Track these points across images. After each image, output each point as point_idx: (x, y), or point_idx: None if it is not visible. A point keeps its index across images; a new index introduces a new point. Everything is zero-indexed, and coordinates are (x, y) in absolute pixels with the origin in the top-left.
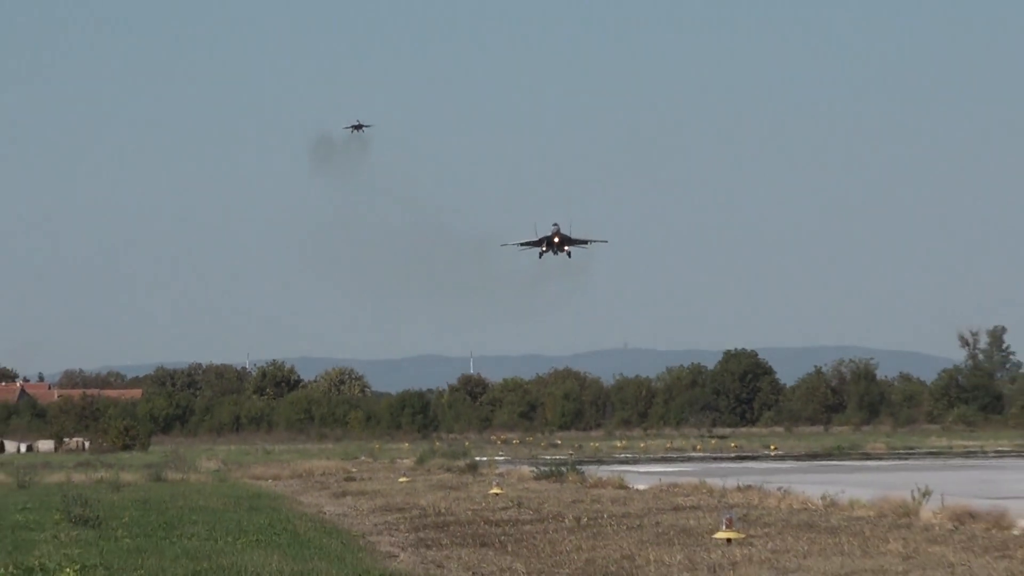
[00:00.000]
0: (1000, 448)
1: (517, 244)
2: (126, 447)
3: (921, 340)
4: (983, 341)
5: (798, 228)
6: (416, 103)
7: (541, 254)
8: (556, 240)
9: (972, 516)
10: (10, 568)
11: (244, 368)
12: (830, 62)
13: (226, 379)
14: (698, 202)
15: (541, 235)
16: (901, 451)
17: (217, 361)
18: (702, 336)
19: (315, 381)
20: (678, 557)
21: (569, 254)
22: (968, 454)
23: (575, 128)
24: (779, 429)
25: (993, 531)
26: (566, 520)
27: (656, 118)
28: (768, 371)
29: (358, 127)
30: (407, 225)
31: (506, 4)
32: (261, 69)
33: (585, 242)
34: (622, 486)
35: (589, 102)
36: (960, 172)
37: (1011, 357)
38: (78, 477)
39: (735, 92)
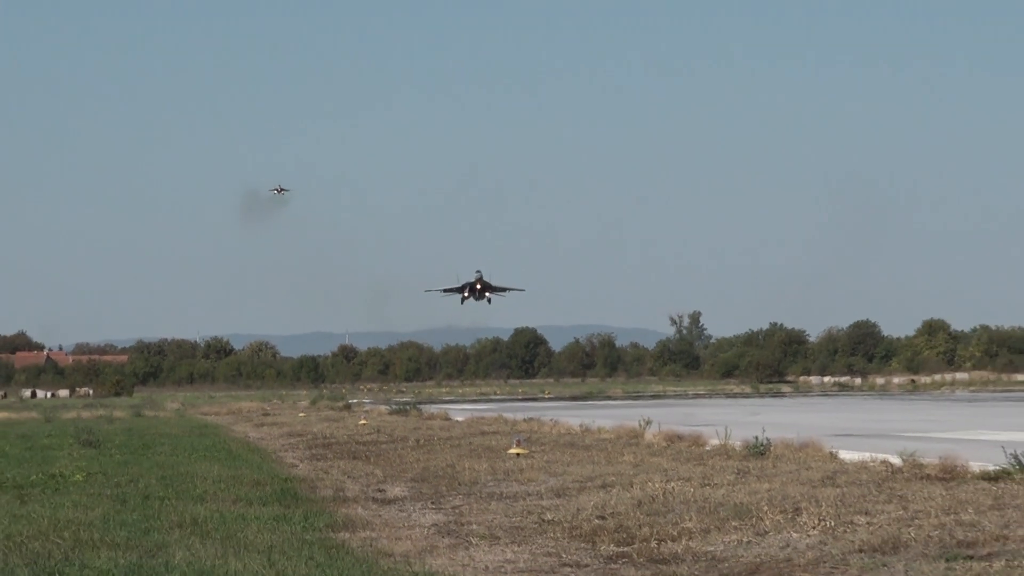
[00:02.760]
0: (698, 392)
1: (440, 290)
2: (117, 394)
3: (646, 320)
4: (686, 321)
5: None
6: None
7: (463, 300)
8: (479, 287)
9: (679, 437)
10: (40, 475)
11: (196, 341)
12: None
13: (183, 348)
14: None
15: (464, 282)
16: (632, 395)
17: (178, 336)
18: (494, 316)
19: (243, 349)
20: (484, 465)
21: (489, 300)
22: (676, 396)
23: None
24: (551, 380)
25: (693, 447)
26: (409, 441)
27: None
28: (544, 341)
29: (280, 190)
30: (319, 254)
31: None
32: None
33: (504, 290)
34: (446, 418)
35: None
36: (669, 191)
37: (704, 332)
38: (85, 414)
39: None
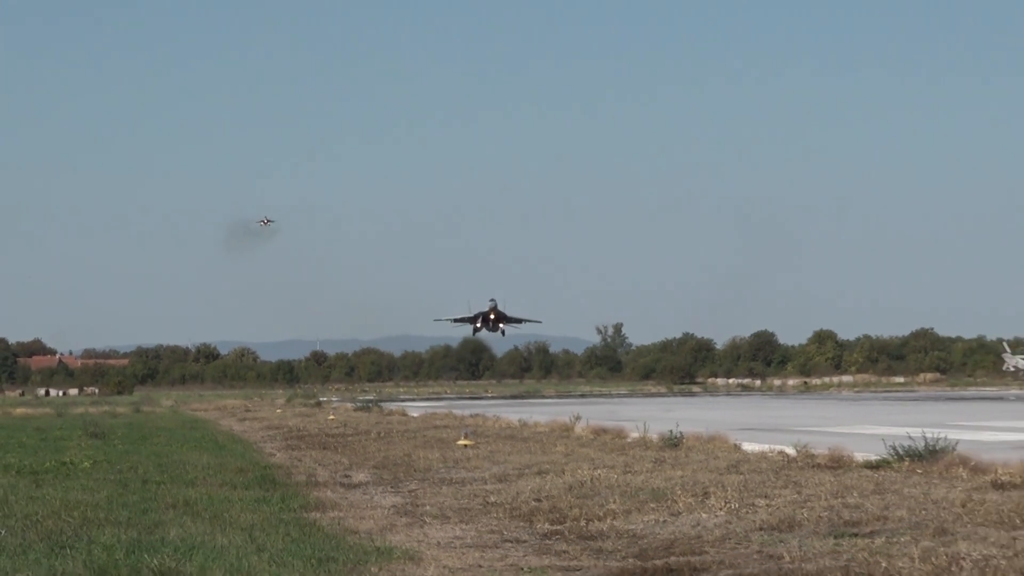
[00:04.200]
0: (620, 392)
1: (450, 319)
2: (119, 393)
3: (576, 330)
4: (611, 330)
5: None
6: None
7: (475, 330)
8: (492, 317)
9: (604, 431)
10: (52, 462)
11: (187, 347)
12: None
13: (177, 353)
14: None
15: (477, 311)
16: (563, 394)
17: (172, 343)
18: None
19: (228, 354)
20: (436, 455)
21: (503, 332)
22: (602, 395)
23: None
24: (494, 381)
25: (616, 440)
26: (372, 434)
27: None
28: (487, 348)
29: (267, 222)
30: (295, 273)
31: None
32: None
33: (520, 321)
34: (404, 414)
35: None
36: (596, 218)
37: (626, 340)
38: (92, 410)
39: None
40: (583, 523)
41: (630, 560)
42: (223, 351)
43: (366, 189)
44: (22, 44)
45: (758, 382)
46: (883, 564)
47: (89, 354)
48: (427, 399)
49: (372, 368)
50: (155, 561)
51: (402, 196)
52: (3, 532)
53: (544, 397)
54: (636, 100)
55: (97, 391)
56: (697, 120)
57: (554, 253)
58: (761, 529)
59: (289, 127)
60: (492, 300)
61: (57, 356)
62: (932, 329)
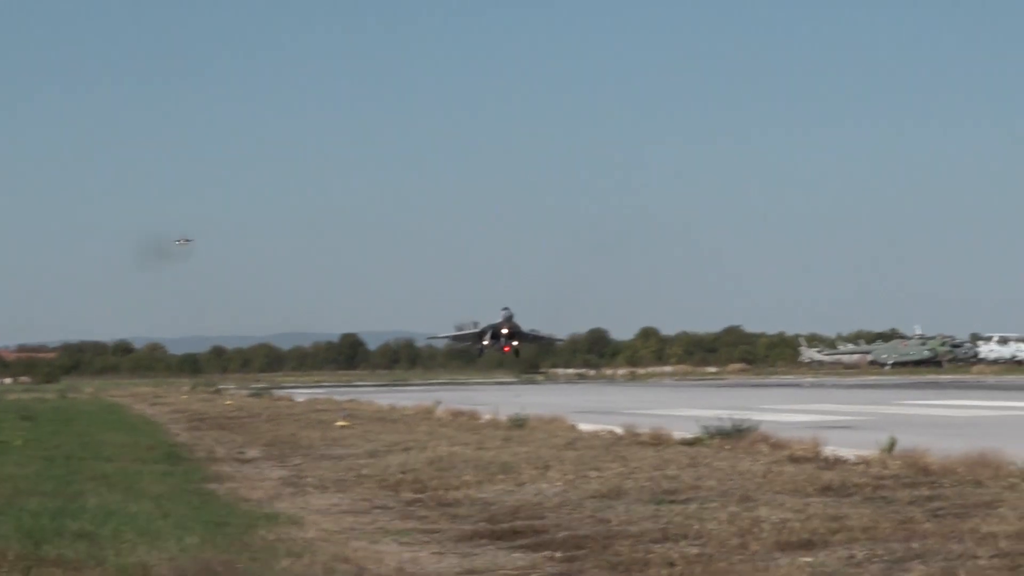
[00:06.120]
0: (476, 380)
1: (448, 337)
2: (48, 381)
3: (438, 327)
4: (469, 327)
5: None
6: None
7: (481, 351)
8: (505, 331)
9: (461, 413)
10: None
11: (106, 342)
12: None
13: (98, 347)
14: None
15: (486, 325)
16: (427, 382)
17: (94, 338)
18: (323, 324)
19: (142, 348)
20: (317, 434)
21: (517, 353)
22: (460, 383)
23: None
24: (368, 372)
25: (471, 421)
26: (263, 416)
27: None
28: (363, 343)
29: (185, 241)
30: (199, 277)
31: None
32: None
33: (539, 339)
34: (291, 400)
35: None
36: (447, 224)
37: (439, 337)
38: (24, 396)
39: None
40: (441, 492)
41: (481, 524)
42: (137, 345)
43: (258, 204)
44: None
45: (592, 372)
46: (696, 526)
47: (23, 348)
48: (311, 387)
49: (265, 360)
50: (76, 526)
51: (285, 210)
52: None
53: (411, 385)
54: (464, 110)
55: (29, 380)
56: (532, 135)
57: (416, 259)
58: (593, 497)
59: (192, 139)
60: (506, 310)
61: None
62: (740, 326)
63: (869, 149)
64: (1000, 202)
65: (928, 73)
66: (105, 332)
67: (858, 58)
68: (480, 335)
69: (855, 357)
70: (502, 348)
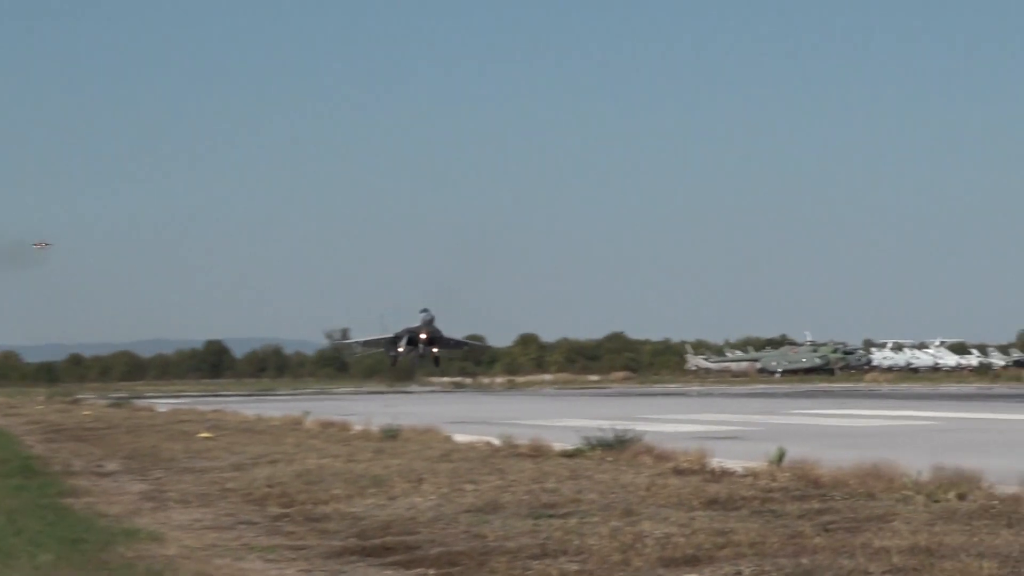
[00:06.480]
0: (347, 390)
1: (358, 342)
2: None
3: (307, 334)
4: (338, 335)
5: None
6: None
7: (394, 360)
8: (424, 337)
9: (331, 424)
10: None
11: None
12: None
13: None
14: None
15: (402, 328)
16: (296, 391)
17: None
18: (189, 330)
19: None
20: (180, 446)
21: (436, 360)
22: (331, 393)
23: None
24: (234, 380)
25: (341, 432)
26: (122, 427)
27: None
28: (228, 350)
29: (43, 245)
30: (56, 281)
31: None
32: None
33: (462, 345)
34: (152, 410)
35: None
36: (321, 235)
37: (351, 343)
38: None
39: None
40: (310, 507)
41: (351, 540)
42: None
43: (118, 206)
44: None
45: (469, 380)
46: (576, 542)
47: None
48: (174, 396)
49: (125, 369)
50: None
51: (146, 212)
52: None
53: (278, 394)
54: (331, 108)
55: None
56: (399, 133)
57: (285, 262)
58: (469, 511)
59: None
60: (425, 311)
61: None
62: (623, 332)
63: (755, 148)
64: (893, 205)
65: (802, 71)
66: None
67: (730, 53)
68: (395, 340)
69: (743, 365)
70: (422, 355)
